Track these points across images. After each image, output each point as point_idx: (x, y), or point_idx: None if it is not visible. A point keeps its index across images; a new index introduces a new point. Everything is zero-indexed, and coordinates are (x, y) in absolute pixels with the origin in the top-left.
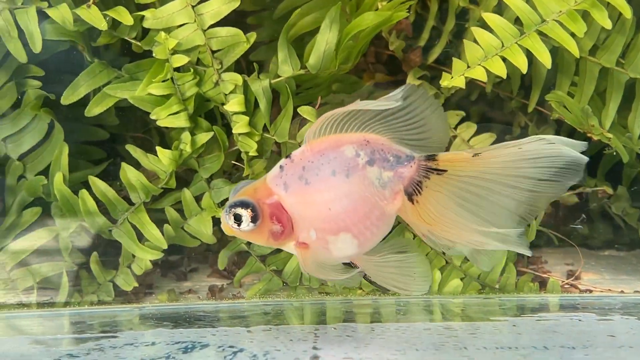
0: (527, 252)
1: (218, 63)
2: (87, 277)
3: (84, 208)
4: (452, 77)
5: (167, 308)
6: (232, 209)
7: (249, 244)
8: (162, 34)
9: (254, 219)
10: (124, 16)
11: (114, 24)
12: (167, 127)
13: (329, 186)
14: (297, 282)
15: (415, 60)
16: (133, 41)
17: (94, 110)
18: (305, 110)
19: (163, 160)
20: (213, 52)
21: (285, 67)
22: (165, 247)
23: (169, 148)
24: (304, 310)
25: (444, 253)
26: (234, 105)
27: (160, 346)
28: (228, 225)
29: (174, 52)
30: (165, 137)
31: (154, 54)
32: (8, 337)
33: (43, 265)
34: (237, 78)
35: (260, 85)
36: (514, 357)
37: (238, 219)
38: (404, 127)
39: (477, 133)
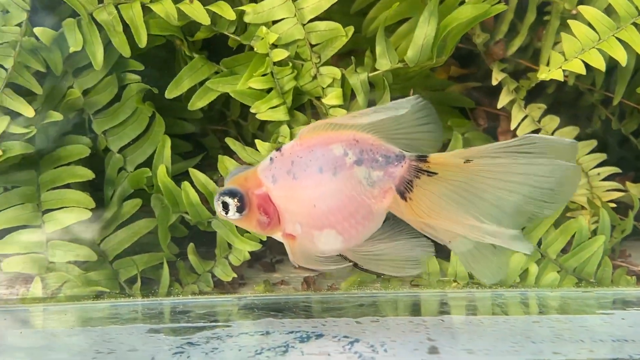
0: (527, 250)
1: (317, 57)
2: (185, 268)
3: (186, 200)
4: (549, 70)
5: (266, 298)
6: (221, 197)
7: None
8: (263, 28)
9: (240, 209)
10: (226, 11)
11: (214, 18)
12: (244, 120)
13: (315, 183)
14: None
15: (498, 53)
16: (232, 36)
17: (197, 104)
18: None
19: (262, 152)
20: (312, 45)
21: (384, 60)
22: (264, 238)
23: (245, 140)
24: (398, 303)
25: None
26: (332, 98)
27: (275, 335)
28: (218, 211)
29: (274, 46)
30: (243, 130)
31: (255, 48)
32: (120, 325)
33: (144, 256)
34: (336, 72)
35: (358, 79)
36: (636, 349)
37: (226, 207)
38: (395, 127)
39: (560, 126)
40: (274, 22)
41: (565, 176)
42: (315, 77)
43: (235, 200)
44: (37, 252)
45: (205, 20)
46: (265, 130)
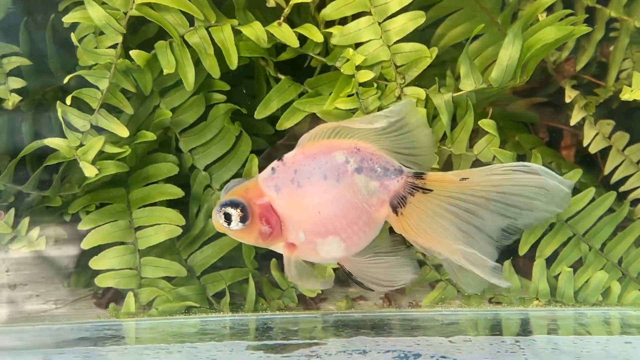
0: (504, 284)
1: (401, 77)
2: (268, 283)
3: None
4: (632, 90)
5: (351, 315)
6: (223, 208)
7: (423, 254)
8: (350, 50)
9: (243, 219)
10: (314, 34)
11: (300, 40)
12: None
13: (320, 190)
14: None
15: (569, 70)
16: (317, 57)
17: (284, 124)
18: (485, 124)
19: None
20: (397, 66)
21: (468, 80)
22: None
23: None
24: (478, 321)
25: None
26: None
27: (373, 354)
28: (219, 223)
29: (359, 67)
30: None
31: (339, 69)
32: (217, 342)
33: (229, 271)
34: (420, 92)
35: (442, 99)
36: None
37: (228, 218)
38: (395, 138)
39: (630, 142)
40: (359, 43)
41: (554, 195)
42: (399, 97)
43: (238, 210)
44: (130, 268)
45: (294, 42)
46: None
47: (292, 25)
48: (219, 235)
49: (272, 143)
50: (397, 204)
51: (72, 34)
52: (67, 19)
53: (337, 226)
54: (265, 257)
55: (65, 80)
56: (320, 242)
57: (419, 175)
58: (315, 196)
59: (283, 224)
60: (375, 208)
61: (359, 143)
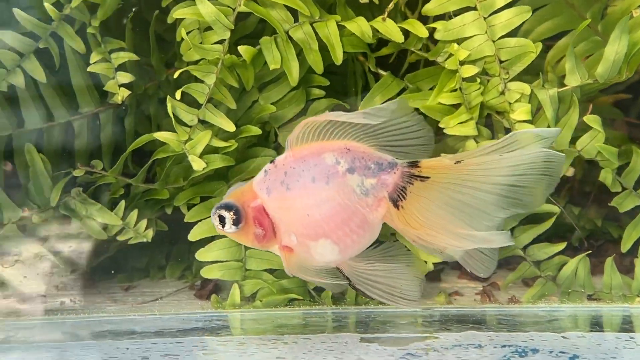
0: (509, 242)
1: (505, 72)
2: None
3: None
4: None
5: (449, 310)
6: (217, 211)
7: (524, 249)
8: (455, 45)
9: (235, 222)
10: (418, 29)
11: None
12: None
13: (308, 192)
14: (571, 287)
15: None
16: (418, 52)
17: None
18: (591, 119)
19: None
20: (501, 61)
21: (574, 76)
22: None
23: None
24: (579, 317)
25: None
26: (520, 114)
27: (489, 349)
28: (215, 225)
29: (462, 62)
30: None
31: (445, 65)
32: (330, 334)
33: None
34: (525, 87)
35: (547, 94)
36: None
37: (222, 220)
38: (385, 134)
39: None
40: (463, 38)
41: (549, 164)
42: (502, 93)
43: (231, 213)
44: (236, 260)
45: (399, 37)
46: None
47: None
48: None
49: None
50: (397, 197)
51: (182, 29)
52: (177, 15)
53: (327, 228)
54: None
55: (176, 75)
56: (313, 245)
57: (413, 164)
58: (304, 198)
59: (275, 226)
60: (371, 208)
61: (349, 143)
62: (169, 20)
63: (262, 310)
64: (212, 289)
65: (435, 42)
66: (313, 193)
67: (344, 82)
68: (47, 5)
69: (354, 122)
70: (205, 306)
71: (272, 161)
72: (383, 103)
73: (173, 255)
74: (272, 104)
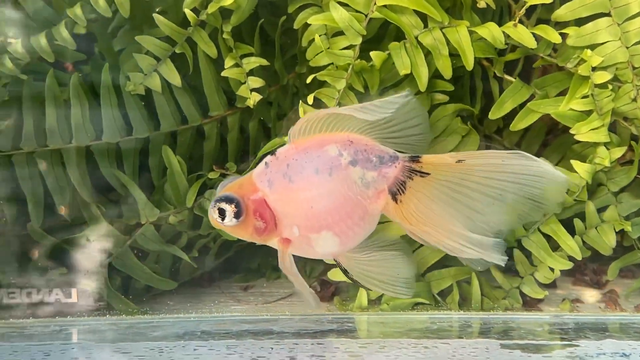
0: (501, 262)
1: (638, 79)
2: (487, 283)
3: None
4: None
5: (579, 317)
6: (217, 204)
7: None
8: (588, 51)
9: (237, 215)
10: (551, 34)
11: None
12: (498, 135)
13: (311, 184)
14: None
15: None
16: (547, 57)
17: (518, 125)
18: None
19: (581, 173)
20: (634, 68)
21: None
22: (580, 258)
23: None
24: None
25: None
26: None
27: (635, 358)
28: (213, 219)
29: (594, 68)
30: (495, 143)
31: (577, 71)
32: (465, 339)
33: (451, 270)
34: None
35: None
36: None
37: (222, 213)
38: (387, 127)
39: None
40: (595, 45)
41: (552, 185)
42: (634, 100)
43: (232, 206)
44: None
45: (532, 43)
46: (521, 145)
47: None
48: None
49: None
50: (396, 191)
51: (317, 35)
52: (312, 21)
53: (330, 220)
54: None
55: (308, 80)
56: (315, 237)
57: (415, 159)
58: (307, 190)
59: (277, 219)
60: (371, 200)
61: (351, 135)
62: (296, 26)
63: (389, 314)
64: (334, 291)
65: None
66: (316, 185)
67: (462, 87)
68: (187, 11)
69: (355, 115)
70: (331, 308)
71: (272, 153)
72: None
73: None
74: None
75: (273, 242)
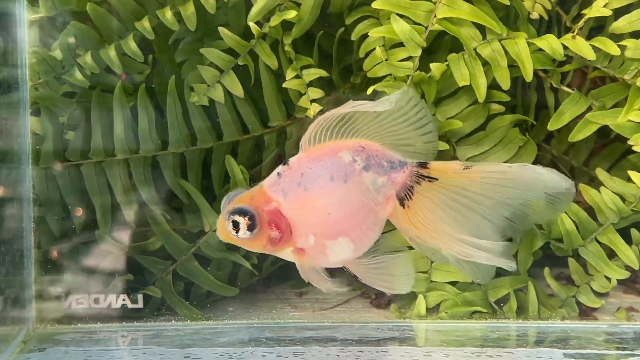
0: (511, 267)
1: None
2: (542, 291)
3: (562, 227)
4: None
5: (627, 326)
6: (231, 216)
7: None
8: None
9: (251, 227)
10: (610, 47)
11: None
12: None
13: (328, 192)
14: None
15: None
16: (604, 69)
17: (577, 136)
18: None
19: (638, 183)
20: None
21: None
22: (638, 267)
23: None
24: None
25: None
26: None
27: None
28: (225, 232)
29: None
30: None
31: (636, 83)
32: (525, 348)
33: (507, 279)
34: None
35: None
36: None
37: (236, 226)
38: (395, 132)
39: None
40: None
41: (558, 195)
42: None
43: (246, 218)
44: (422, 271)
45: (591, 55)
46: (569, 154)
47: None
48: None
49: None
50: (405, 196)
51: (377, 47)
52: (373, 33)
53: (347, 226)
54: (537, 265)
55: (369, 91)
56: (330, 244)
57: (423, 165)
58: (324, 198)
59: (293, 228)
60: (381, 206)
61: (362, 141)
62: (353, 37)
63: (447, 322)
64: (390, 298)
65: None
66: (332, 192)
67: (517, 98)
68: (251, 24)
69: (363, 121)
70: (388, 316)
71: (285, 163)
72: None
73: None
74: (449, 118)
75: (286, 254)
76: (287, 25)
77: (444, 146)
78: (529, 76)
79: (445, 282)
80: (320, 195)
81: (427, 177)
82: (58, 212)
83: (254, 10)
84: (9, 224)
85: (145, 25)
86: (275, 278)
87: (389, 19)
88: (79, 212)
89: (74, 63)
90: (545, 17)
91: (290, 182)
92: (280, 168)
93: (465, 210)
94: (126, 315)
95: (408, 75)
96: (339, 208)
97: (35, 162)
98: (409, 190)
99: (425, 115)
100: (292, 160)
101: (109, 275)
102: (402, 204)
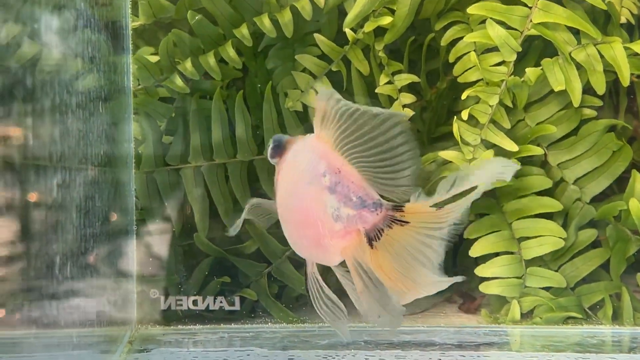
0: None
1: None
2: (633, 295)
3: None
4: None
5: None
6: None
7: None
8: None
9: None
10: None
11: None
12: None
13: (297, 178)
14: None
15: None
16: None
17: None
18: None
19: None
20: None
21: None
22: None
23: None
24: None
25: None
26: None
27: None
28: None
29: None
30: None
31: None
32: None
33: (601, 284)
34: None
35: None
36: None
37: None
38: (381, 169)
39: None
40: None
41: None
42: None
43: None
44: (516, 277)
45: None
46: None
47: None
48: (588, 248)
49: None
50: (374, 237)
51: (472, 52)
52: (467, 38)
53: (294, 218)
54: (629, 272)
55: (464, 96)
56: (282, 221)
57: (398, 208)
58: (293, 180)
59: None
60: (333, 235)
61: (345, 166)
62: (443, 43)
63: (542, 328)
64: (480, 304)
65: None
66: (299, 180)
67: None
68: (347, 30)
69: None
70: (480, 320)
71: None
72: None
73: None
74: (539, 123)
75: None
76: (378, 31)
77: (538, 151)
78: (625, 80)
79: (540, 288)
80: (292, 176)
81: (400, 220)
82: (158, 215)
83: (349, 17)
84: (114, 227)
85: (243, 32)
86: None
87: (479, 23)
88: (178, 215)
89: (174, 70)
90: (633, 21)
91: (296, 150)
92: (309, 135)
93: (428, 250)
94: (223, 316)
95: (502, 80)
96: (296, 198)
97: (136, 167)
98: (379, 232)
99: (414, 160)
100: (309, 135)
101: (206, 277)
102: (371, 244)
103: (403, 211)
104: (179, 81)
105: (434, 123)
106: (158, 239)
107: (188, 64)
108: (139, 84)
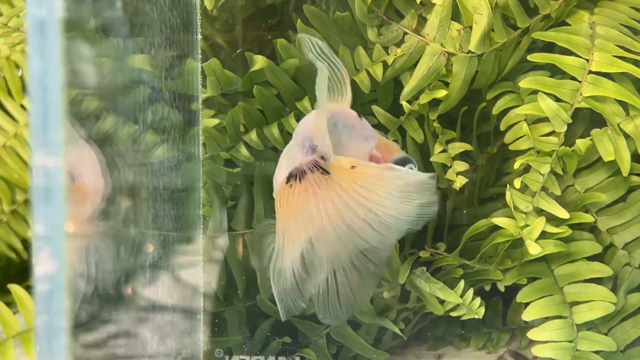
0: None
1: None
2: None
3: None
4: None
5: None
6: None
7: None
8: None
9: None
10: None
11: None
12: None
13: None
14: None
15: None
16: None
17: None
18: None
19: None
20: None
21: None
22: None
23: None
24: None
25: None
26: None
27: None
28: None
29: None
30: None
31: None
32: None
33: None
34: None
35: None
36: None
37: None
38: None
39: None
40: None
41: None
42: None
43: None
44: (568, 341)
45: None
46: None
47: None
48: (637, 311)
49: None
50: (294, 176)
51: (524, 123)
52: (520, 111)
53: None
54: None
55: (516, 165)
56: None
57: (325, 158)
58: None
59: None
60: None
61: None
62: (494, 112)
63: None
64: None
65: None
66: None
67: None
68: (404, 103)
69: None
70: None
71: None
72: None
73: (471, 326)
74: (588, 189)
75: None
76: (432, 101)
77: (588, 218)
78: None
79: (592, 352)
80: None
81: (322, 168)
82: (223, 277)
83: (406, 90)
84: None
85: (305, 104)
86: (413, 339)
87: (529, 94)
88: (241, 278)
89: (240, 140)
90: None
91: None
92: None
93: (338, 214)
94: None
95: (553, 150)
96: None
97: (203, 232)
98: (301, 173)
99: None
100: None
101: (268, 337)
102: (288, 181)
103: (329, 160)
104: (244, 150)
105: (484, 185)
106: (223, 300)
107: (253, 135)
108: (205, 152)
